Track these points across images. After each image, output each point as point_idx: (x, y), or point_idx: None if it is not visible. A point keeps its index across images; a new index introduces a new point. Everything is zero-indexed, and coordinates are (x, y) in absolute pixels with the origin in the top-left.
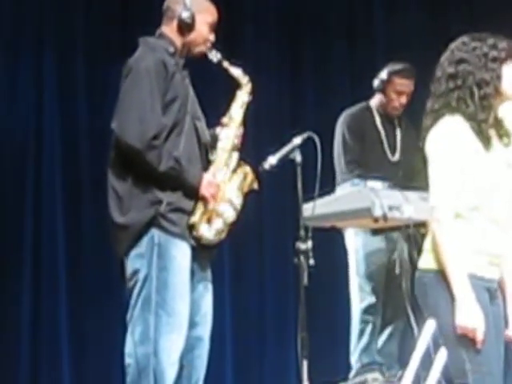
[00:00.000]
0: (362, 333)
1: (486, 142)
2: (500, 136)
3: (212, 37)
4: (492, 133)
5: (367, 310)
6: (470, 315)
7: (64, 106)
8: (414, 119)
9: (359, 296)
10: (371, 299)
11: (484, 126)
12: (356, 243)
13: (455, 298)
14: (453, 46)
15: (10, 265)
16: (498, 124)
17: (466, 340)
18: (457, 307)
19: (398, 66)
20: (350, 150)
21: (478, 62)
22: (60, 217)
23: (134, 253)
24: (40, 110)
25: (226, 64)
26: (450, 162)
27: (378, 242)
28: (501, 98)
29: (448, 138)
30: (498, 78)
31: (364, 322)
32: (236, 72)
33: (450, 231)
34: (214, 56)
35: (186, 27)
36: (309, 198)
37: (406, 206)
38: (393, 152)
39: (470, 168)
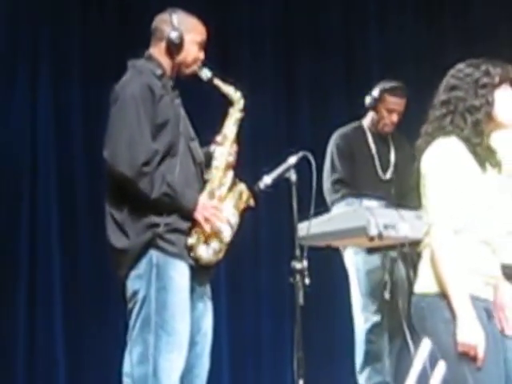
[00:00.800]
0: (368, 353)
1: (481, 163)
2: (492, 166)
3: (202, 55)
4: (486, 156)
5: (372, 330)
6: (471, 333)
7: (59, 129)
8: (409, 136)
9: (363, 316)
10: (376, 318)
11: (479, 150)
12: (357, 262)
13: (456, 317)
14: (449, 73)
15: (6, 281)
16: (491, 153)
17: (468, 359)
18: (458, 325)
19: (389, 84)
20: (337, 170)
21: (468, 88)
22: (55, 233)
23: (133, 274)
24: (34, 130)
25: (216, 81)
26: (447, 179)
27: (378, 260)
28: (494, 124)
29: (445, 157)
30: (489, 103)
31: (369, 342)
32: (227, 89)
33: (450, 249)
34: (204, 74)
35: (174, 48)
36: (304, 217)
37: (402, 224)
38: (385, 170)
39: (466, 187)
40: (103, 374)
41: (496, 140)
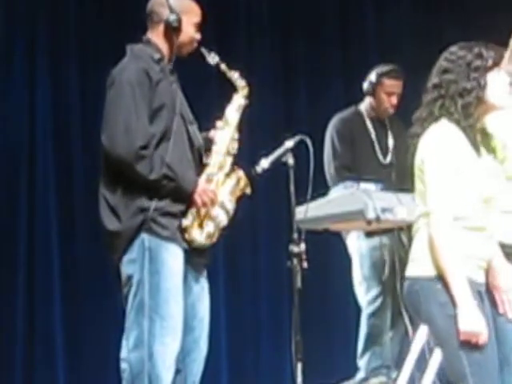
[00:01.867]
0: (369, 337)
1: (475, 147)
2: (487, 150)
3: (198, 36)
4: (479, 140)
5: (374, 314)
6: (473, 320)
7: (57, 116)
8: (407, 122)
9: (366, 300)
10: (379, 303)
11: (469, 133)
12: (360, 247)
13: (453, 303)
14: (442, 56)
15: (4, 272)
16: (487, 137)
17: (465, 344)
18: (459, 313)
19: (386, 68)
20: (340, 155)
21: (460, 71)
22: (54, 223)
23: (126, 258)
24: (33, 120)
25: (223, 67)
26: (445, 166)
27: (381, 245)
28: (486, 107)
29: (442, 143)
30: (481, 86)
31: (372, 327)
32: (233, 75)
33: (449, 236)
34: (212, 59)
35: (173, 30)
36: (302, 200)
37: (399, 207)
38: (384, 154)
39: (462, 173)
40: (102, 360)
41: (492, 124)
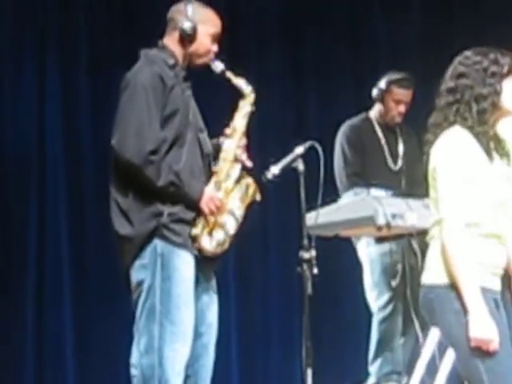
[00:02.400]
0: (380, 343)
1: (488, 153)
2: (500, 156)
3: (215, 48)
4: (492, 146)
5: (385, 320)
6: (484, 328)
7: (67, 118)
8: (417, 128)
9: (377, 306)
10: (390, 309)
11: (482, 139)
12: (370, 253)
13: (467, 311)
14: (456, 60)
15: (14, 276)
16: (499, 143)
17: (481, 351)
18: (470, 320)
19: (396, 76)
20: (350, 163)
21: (477, 76)
22: (64, 228)
23: (137, 264)
24: (42, 122)
25: (228, 74)
26: (457, 173)
27: (391, 250)
28: (500, 113)
29: (454, 149)
30: (497, 92)
31: (383, 332)
32: (239, 82)
33: (461, 243)
34: (217, 67)
35: (187, 38)
36: (312, 207)
37: (410, 213)
38: (394, 161)
39: (474, 179)
40: (112, 362)
41: (503, 128)
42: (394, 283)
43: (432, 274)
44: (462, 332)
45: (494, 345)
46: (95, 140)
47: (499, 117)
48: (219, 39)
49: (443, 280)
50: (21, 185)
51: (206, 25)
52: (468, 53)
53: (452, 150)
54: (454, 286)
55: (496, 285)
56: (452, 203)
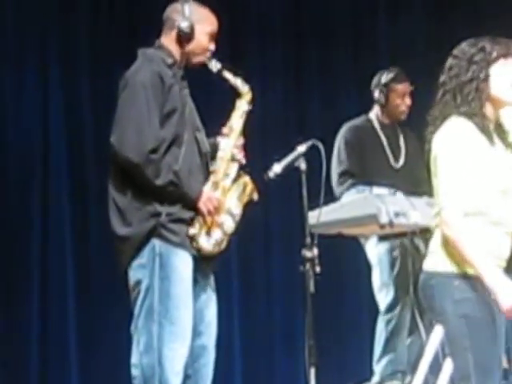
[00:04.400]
0: (387, 342)
1: (490, 141)
2: (505, 146)
3: (212, 46)
4: (495, 135)
5: (394, 319)
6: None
7: (69, 118)
8: (419, 126)
9: (385, 306)
10: (397, 309)
11: (479, 122)
12: (379, 253)
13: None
14: (451, 53)
15: (18, 273)
16: (503, 133)
17: (472, 343)
18: (497, 295)
19: (391, 74)
20: (343, 162)
21: (462, 65)
22: (67, 226)
23: (136, 263)
24: (46, 121)
25: (226, 73)
26: (458, 162)
27: (400, 250)
28: (497, 101)
29: (455, 138)
30: (479, 78)
31: (389, 332)
32: (236, 81)
33: (462, 228)
34: (214, 66)
35: (184, 37)
36: (314, 205)
37: (412, 211)
38: (396, 159)
39: (477, 168)
40: (115, 361)
41: (505, 118)
42: (395, 271)
43: (434, 261)
44: (458, 323)
45: None
46: (98, 138)
47: (498, 106)
48: (216, 38)
49: (445, 268)
50: (24, 185)
51: (203, 24)
52: (461, 45)
53: (452, 139)
54: (457, 275)
55: None
56: (451, 193)
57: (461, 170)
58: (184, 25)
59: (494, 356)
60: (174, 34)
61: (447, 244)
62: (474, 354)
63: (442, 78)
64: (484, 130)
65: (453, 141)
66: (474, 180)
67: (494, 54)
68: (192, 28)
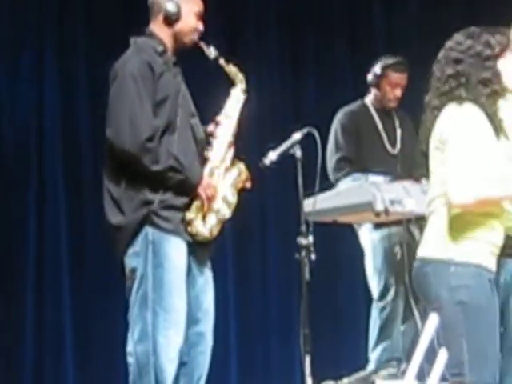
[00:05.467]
0: (382, 329)
1: (497, 132)
2: (506, 136)
3: (200, 26)
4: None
5: (388, 306)
6: None
7: (65, 106)
8: (414, 113)
9: (378, 293)
10: (391, 296)
11: (494, 119)
12: (372, 239)
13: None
14: (448, 44)
15: (13, 269)
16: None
17: (467, 330)
18: None
19: (391, 60)
20: (341, 147)
21: (473, 62)
22: (63, 217)
23: (130, 252)
24: (41, 110)
25: (222, 61)
26: (469, 146)
27: (394, 237)
28: (503, 93)
29: (468, 123)
30: (497, 74)
31: (384, 320)
32: (231, 69)
33: (475, 200)
34: (211, 53)
35: (172, 17)
36: (310, 193)
37: (408, 199)
38: (393, 144)
39: (483, 155)
40: (111, 356)
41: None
42: (389, 258)
43: (430, 248)
44: (453, 310)
45: None
46: (94, 130)
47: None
48: (203, 17)
49: (442, 255)
50: (20, 173)
51: (189, 3)
52: (459, 37)
53: (467, 123)
54: (453, 262)
55: (493, 265)
56: (464, 178)
57: (473, 155)
58: (170, 6)
59: (490, 344)
60: (160, 17)
61: (443, 230)
62: (468, 342)
63: (449, 71)
64: (495, 126)
65: (467, 126)
66: (479, 167)
67: (498, 49)
68: (178, 7)
